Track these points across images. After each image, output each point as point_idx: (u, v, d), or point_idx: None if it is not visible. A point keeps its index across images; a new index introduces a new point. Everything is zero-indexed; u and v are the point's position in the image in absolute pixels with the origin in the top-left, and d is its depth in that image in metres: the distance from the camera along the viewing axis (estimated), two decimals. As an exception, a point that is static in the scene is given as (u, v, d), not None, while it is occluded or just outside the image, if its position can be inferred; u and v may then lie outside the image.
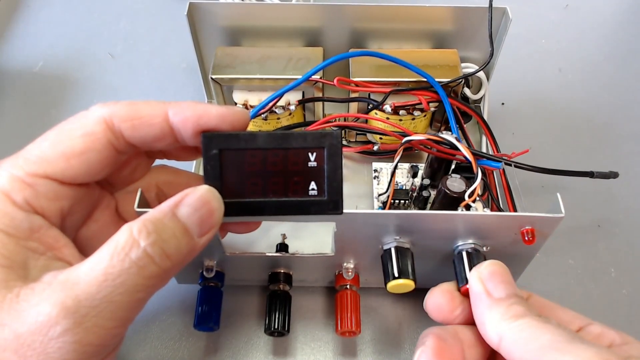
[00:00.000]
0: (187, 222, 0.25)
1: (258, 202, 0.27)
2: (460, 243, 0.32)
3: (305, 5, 0.45)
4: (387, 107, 0.42)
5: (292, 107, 0.43)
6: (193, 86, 0.54)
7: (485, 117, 0.48)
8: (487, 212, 0.33)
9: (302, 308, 0.39)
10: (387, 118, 0.43)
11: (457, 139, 0.37)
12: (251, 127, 0.45)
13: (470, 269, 0.31)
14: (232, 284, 0.39)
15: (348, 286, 0.36)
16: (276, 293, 0.37)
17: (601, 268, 0.43)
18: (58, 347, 0.22)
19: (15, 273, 0.23)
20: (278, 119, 0.44)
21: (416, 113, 0.43)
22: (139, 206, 0.28)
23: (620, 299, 0.41)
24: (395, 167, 0.39)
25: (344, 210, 0.28)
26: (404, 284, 0.32)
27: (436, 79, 0.41)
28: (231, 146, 0.27)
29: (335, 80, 0.42)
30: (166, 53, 0.59)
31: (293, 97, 0.43)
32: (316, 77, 0.41)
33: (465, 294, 0.30)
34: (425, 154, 0.42)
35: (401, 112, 0.43)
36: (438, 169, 0.41)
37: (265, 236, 0.40)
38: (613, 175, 0.42)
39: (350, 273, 0.36)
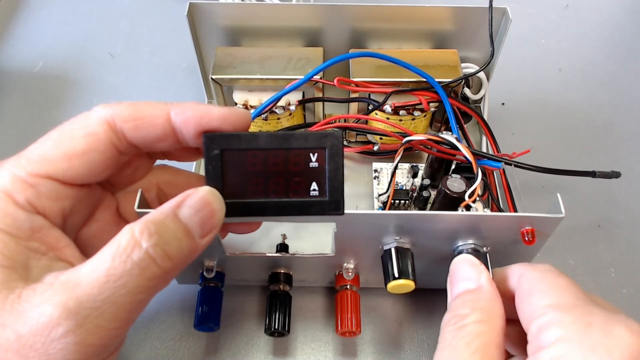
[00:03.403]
0: (189, 223, 0.25)
1: (259, 203, 0.27)
2: (460, 243, 0.32)
3: (305, 5, 0.45)
4: (387, 107, 0.42)
5: (293, 107, 0.43)
6: (193, 86, 0.54)
7: (485, 117, 0.48)
8: (487, 212, 0.33)
9: (302, 308, 0.39)
10: (387, 118, 0.43)
11: (457, 139, 0.37)
12: (251, 128, 0.45)
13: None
14: (232, 284, 0.39)
15: (348, 286, 0.36)
16: (276, 293, 0.37)
17: (601, 268, 0.43)
18: (60, 348, 0.22)
19: (16, 273, 0.23)
20: (278, 119, 0.44)
21: (416, 113, 0.43)
22: (139, 207, 0.28)
23: (621, 299, 0.41)
24: (396, 167, 0.39)
25: (345, 211, 0.28)
26: (404, 285, 0.32)
27: (436, 79, 0.41)
28: (232, 146, 0.27)
29: (335, 81, 0.42)
30: (166, 53, 0.59)
31: (293, 97, 0.43)
32: (316, 77, 0.41)
33: None
34: (426, 154, 0.42)
35: (401, 112, 0.43)
36: (438, 169, 0.41)
37: (266, 236, 0.40)
38: (615, 175, 0.42)
39: (350, 273, 0.36)
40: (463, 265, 0.29)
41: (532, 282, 0.27)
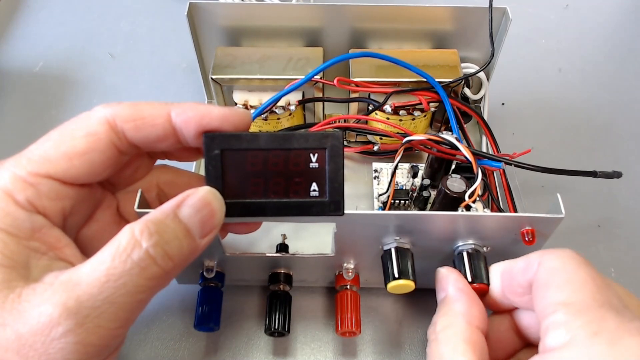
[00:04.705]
0: (189, 223, 0.25)
1: (259, 203, 0.27)
2: (460, 243, 0.32)
3: (305, 5, 0.45)
4: (387, 108, 0.42)
5: (292, 107, 0.43)
6: (193, 86, 0.54)
7: (485, 117, 0.48)
8: (487, 212, 0.33)
9: (302, 308, 0.39)
10: (387, 118, 0.43)
11: (458, 139, 0.37)
12: (251, 128, 0.45)
13: (471, 269, 0.31)
14: (232, 284, 0.39)
15: (348, 286, 0.36)
16: (276, 293, 0.37)
17: (601, 268, 0.42)
18: (60, 348, 0.22)
19: (17, 273, 0.23)
20: (278, 119, 0.44)
21: (416, 113, 0.43)
22: (139, 207, 0.28)
23: (620, 299, 0.41)
24: (396, 167, 0.39)
25: (345, 211, 0.28)
26: (404, 285, 0.32)
27: (436, 79, 0.41)
28: (233, 146, 0.27)
29: (335, 81, 0.42)
30: (166, 53, 0.59)
31: (293, 97, 0.43)
32: (316, 77, 0.41)
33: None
34: (426, 154, 0.42)
35: (401, 112, 0.43)
36: (438, 169, 0.41)
37: (266, 236, 0.40)
38: (616, 175, 0.42)
39: (350, 273, 0.36)
40: (438, 279, 0.31)
41: (550, 272, 0.26)
